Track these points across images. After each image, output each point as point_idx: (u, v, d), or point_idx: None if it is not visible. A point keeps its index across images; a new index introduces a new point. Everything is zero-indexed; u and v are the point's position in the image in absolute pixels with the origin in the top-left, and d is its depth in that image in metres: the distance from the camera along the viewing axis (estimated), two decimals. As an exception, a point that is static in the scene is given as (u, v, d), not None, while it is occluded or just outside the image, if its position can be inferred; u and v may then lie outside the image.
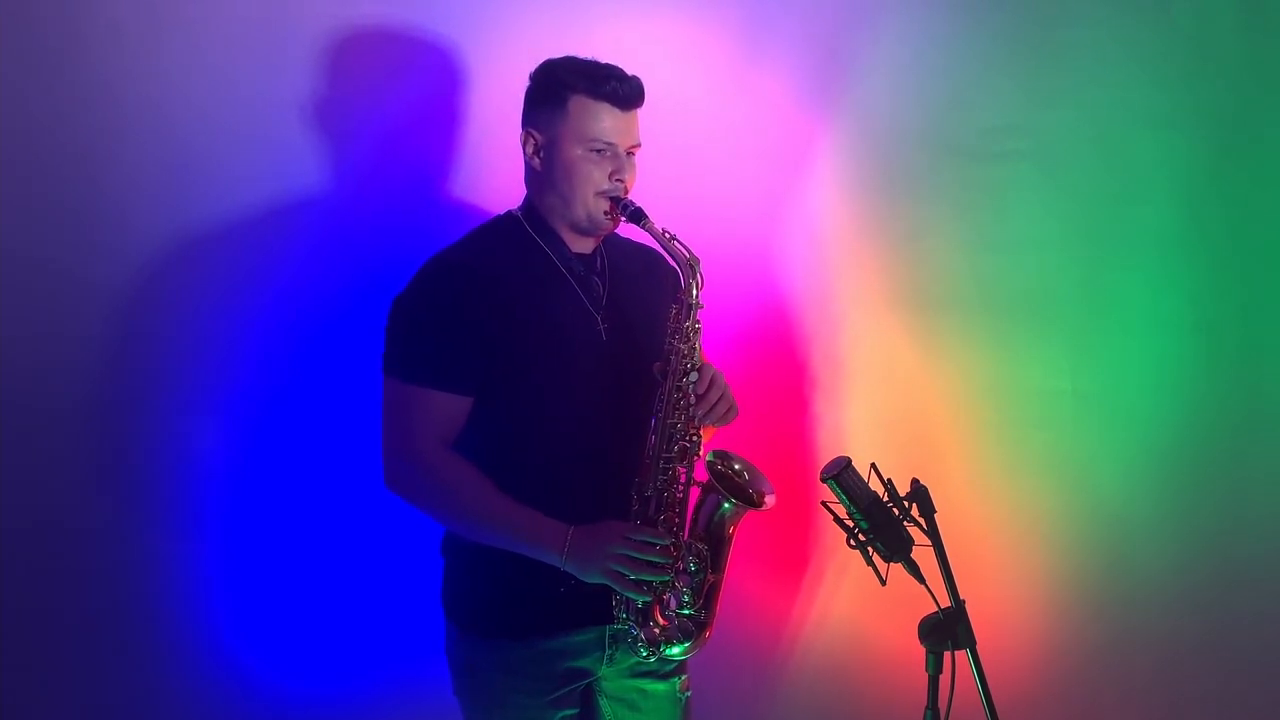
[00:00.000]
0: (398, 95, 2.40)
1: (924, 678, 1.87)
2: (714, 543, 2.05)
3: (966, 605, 1.86)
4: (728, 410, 2.06)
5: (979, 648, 1.85)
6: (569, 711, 2.10)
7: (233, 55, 2.32)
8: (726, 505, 2.03)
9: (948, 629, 1.85)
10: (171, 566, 2.42)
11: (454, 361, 1.98)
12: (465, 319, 1.98)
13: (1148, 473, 2.59)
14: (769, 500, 2.07)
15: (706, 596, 2.04)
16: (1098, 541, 2.61)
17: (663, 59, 2.45)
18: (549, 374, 2.02)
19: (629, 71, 2.03)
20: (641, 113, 2.05)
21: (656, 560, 1.95)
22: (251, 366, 2.41)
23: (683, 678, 2.17)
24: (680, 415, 2.02)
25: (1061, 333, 2.58)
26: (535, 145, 2.04)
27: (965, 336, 2.60)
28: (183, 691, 2.44)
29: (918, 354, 2.61)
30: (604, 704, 2.14)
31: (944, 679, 1.86)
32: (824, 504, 1.90)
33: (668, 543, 1.96)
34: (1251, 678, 2.62)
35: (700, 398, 2.02)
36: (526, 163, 2.07)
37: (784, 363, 2.61)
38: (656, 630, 2.02)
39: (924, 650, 1.88)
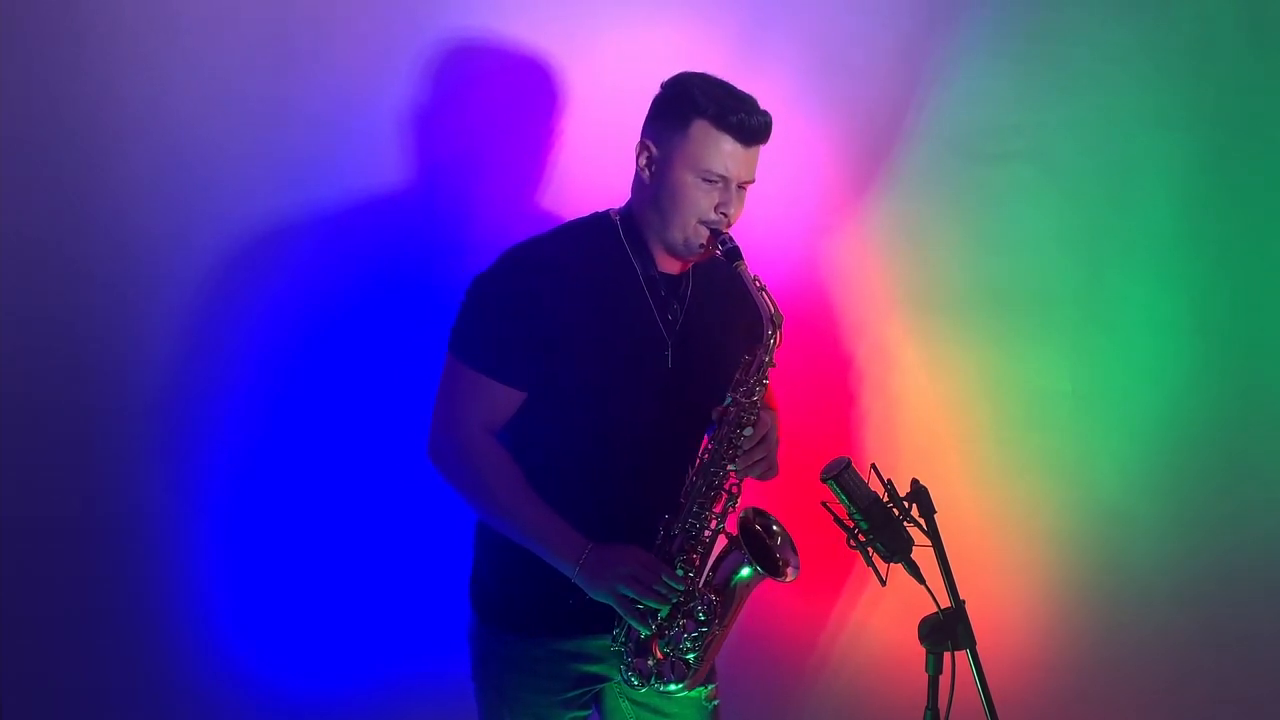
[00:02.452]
0: (396, 96, 2.40)
1: (924, 678, 1.87)
2: (726, 598, 2.00)
3: (966, 605, 1.86)
4: (767, 469, 2.03)
5: (979, 648, 1.85)
6: (581, 714, 2.10)
7: (237, 55, 2.32)
8: (746, 570, 1.98)
9: (948, 629, 1.85)
10: (172, 565, 2.42)
11: (513, 356, 1.97)
12: (534, 316, 1.95)
13: (1147, 472, 2.59)
14: (791, 574, 2.01)
15: (707, 647, 2.00)
16: (1097, 541, 2.61)
17: (663, 59, 2.44)
18: (605, 389, 1.99)
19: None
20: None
21: (663, 594, 1.93)
22: (253, 365, 2.41)
23: (711, 686, 2.15)
24: (725, 464, 1.99)
25: (1061, 333, 2.58)
26: (649, 157, 1.99)
27: (965, 336, 2.60)
28: (184, 690, 2.45)
29: (918, 354, 2.61)
30: (626, 707, 2.13)
31: (944, 679, 1.86)
32: (824, 504, 1.90)
33: (679, 587, 1.94)
34: (1251, 676, 2.62)
35: (746, 452, 1.99)
36: (637, 172, 2.02)
37: (783, 363, 2.60)
38: (650, 663, 1.99)
39: (924, 650, 1.88)
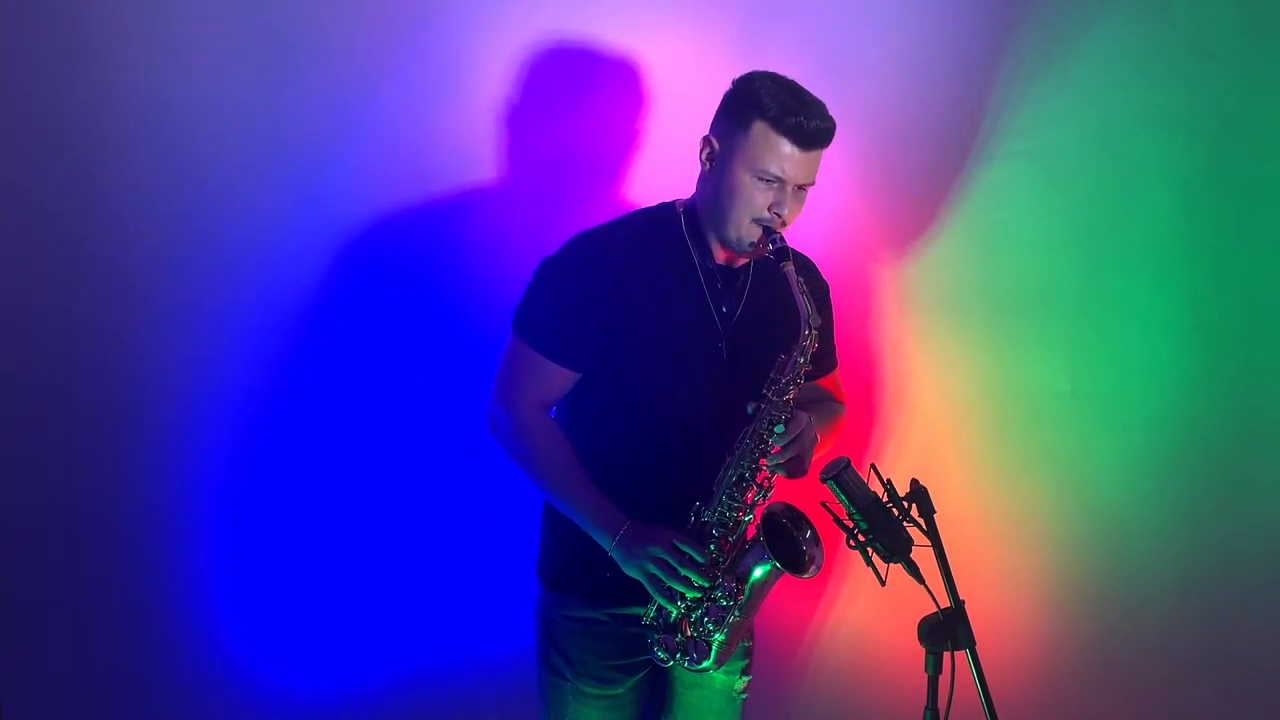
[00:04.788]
0: (392, 95, 2.40)
1: (924, 678, 1.87)
2: (744, 586, 2.02)
3: (966, 605, 1.86)
4: (797, 468, 2.06)
5: (979, 648, 1.85)
6: (638, 676, 2.16)
7: (238, 54, 2.32)
8: (763, 568, 2.01)
9: (947, 629, 1.85)
10: (172, 564, 2.42)
11: (571, 338, 2.05)
12: (594, 301, 2.03)
13: (1147, 473, 2.59)
14: (812, 570, 2.04)
15: (730, 629, 2.03)
16: (1097, 541, 2.61)
17: (663, 59, 2.45)
18: (657, 375, 2.07)
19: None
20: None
21: (691, 576, 1.97)
22: (253, 363, 2.41)
23: (746, 679, 2.22)
24: (755, 459, 2.03)
25: (1061, 333, 2.58)
26: (710, 153, 2.05)
27: (965, 336, 2.60)
28: (183, 690, 2.45)
29: (918, 353, 2.61)
30: (670, 676, 2.20)
31: (944, 679, 1.86)
32: (824, 504, 1.90)
33: (705, 563, 1.99)
34: (1251, 677, 2.62)
35: (780, 450, 2.02)
36: (700, 164, 2.07)
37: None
38: (678, 640, 2.04)
39: (924, 651, 1.88)
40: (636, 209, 2.20)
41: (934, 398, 2.61)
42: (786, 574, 2.00)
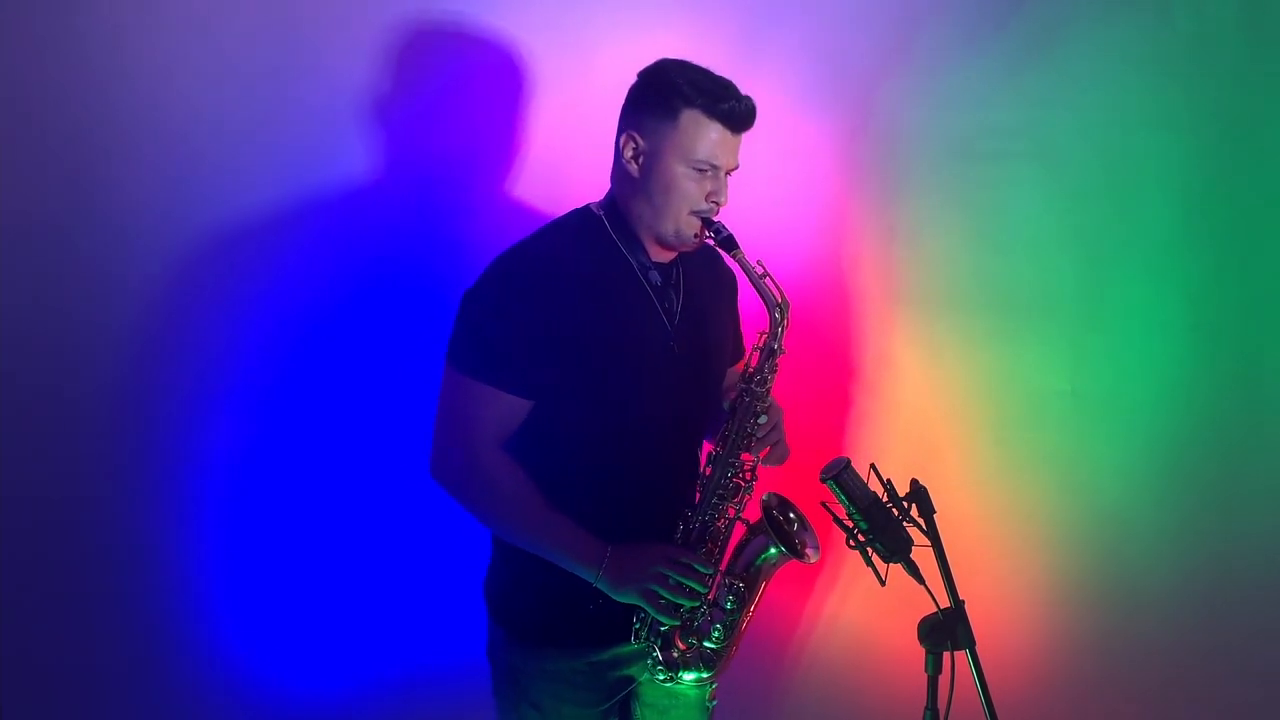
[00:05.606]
0: (388, 94, 2.40)
1: (924, 678, 1.87)
2: (750, 583, 2.02)
3: (966, 605, 1.86)
4: (781, 455, 2.05)
5: (979, 648, 1.85)
6: (617, 699, 2.10)
7: (238, 53, 2.32)
8: (773, 550, 2.01)
9: (947, 629, 1.85)
10: (172, 565, 2.42)
11: (519, 363, 1.92)
12: (535, 320, 1.91)
13: (1147, 472, 2.59)
14: (811, 555, 2.04)
15: (735, 633, 2.02)
16: (1097, 541, 2.61)
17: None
18: (616, 385, 1.97)
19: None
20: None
21: (694, 586, 1.93)
22: (253, 365, 2.41)
23: (712, 686, 2.16)
24: (739, 453, 2.00)
25: (1061, 333, 2.58)
26: (635, 150, 1.96)
27: (965, 336, 2.60)
28: (183, 690, 2.45)
29: (917, 353, 2.61)
30: (635, 708, 2.14)
31: (943, 679, 1.86)
32: (824, 504, 1.90)
33: (710, 571, 1.96)
34: (1250, 676, 2.62)
35: (760, 440, 2.01)
36: (620, 164, 1.98)
37: (783, 363, 2.61)
38: (675, 655, 2.01)
39: (923, 651, 1.87)
40: (548, 221, 2.07)
41: (934, 397, 2.61)
42: (792, 561, 2.00)
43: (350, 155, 2.41)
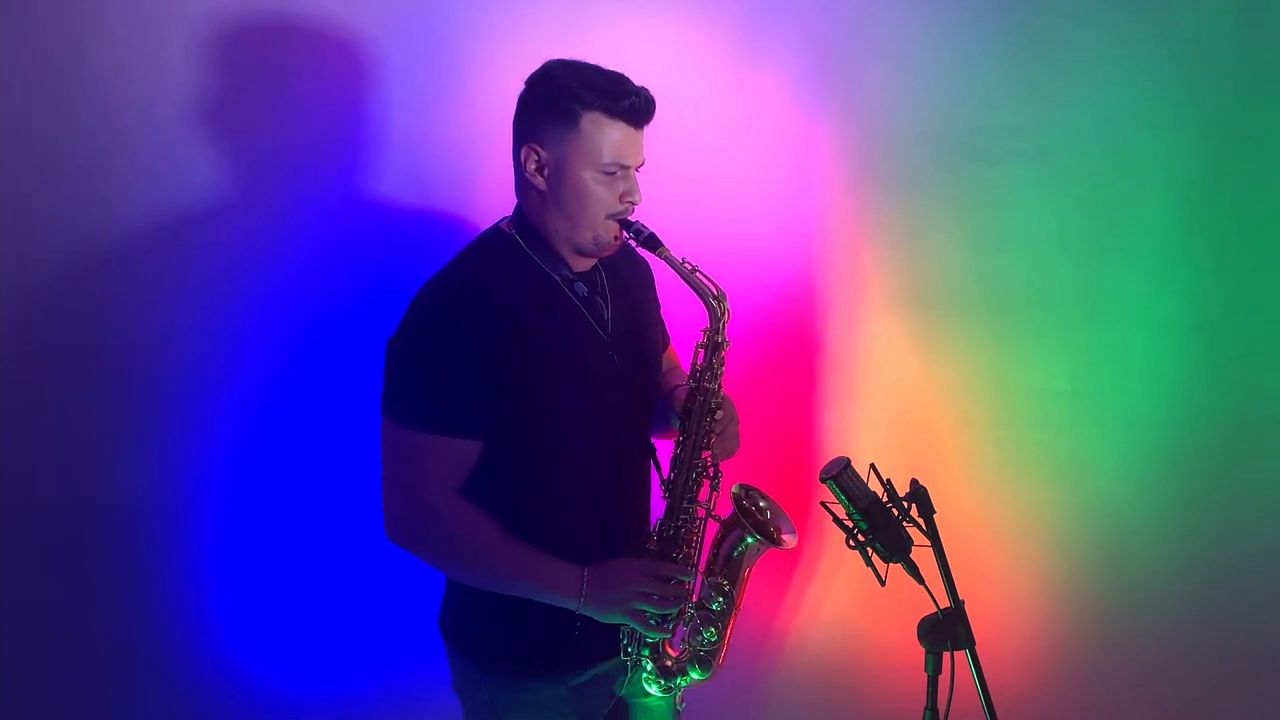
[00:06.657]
0: (386, 98, 2.40)
1: (924, 678, 1.87)
2: (733, 578, 2.02)
3: (966, 605, 1.86)
4: (734, 446, 2.03)
5: (978, 648, 1.85)
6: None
7: (233, 58, 2.32)
8: (749, 540, 2.01)
9: (947, 629, 1.85)
10: (171, 565, 2.42)
11: (463, 405, 1.83)
12: (471, 356, 1.82)
13: (1146, 472, 2.59)
14: (789, 540, 2.05)
15: (726, 631, 2.02)
16: (1097, 541, 2.61)
17: (663, 59, 2.45)
18: (564, 409, 1.91)
19: (634, 79, 1.92)
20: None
21: (678, 596, 1.92)
22: (252, 367, 2.41)
23: (680, 690, 2.13)
24: (700, 451, 1.98)
25: (1061, 333, 2.58)
26: (538, 163, 1.87)
27: (965, 336, 2.60)
28: (182, 690, 2.45)
29: (917, 354, 2.61)
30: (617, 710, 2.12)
31: (943, 679, 1.86)
32: (823, 504, 1.90)
33: (689, 578, 1.95)
34: (1249, 676, 2.62)
35: (718, 435, 1.99)
36: (524, 179, 1.90)
37: (783, 363, 2.61)
38: (670, 663, 2.01)
39: (923, 650, 1.88)
40: (459, 251, 1.97)
41: (934, 397, 2.61)
42: (770, 549, 2.01)
43: (353, 159, 2.40)
